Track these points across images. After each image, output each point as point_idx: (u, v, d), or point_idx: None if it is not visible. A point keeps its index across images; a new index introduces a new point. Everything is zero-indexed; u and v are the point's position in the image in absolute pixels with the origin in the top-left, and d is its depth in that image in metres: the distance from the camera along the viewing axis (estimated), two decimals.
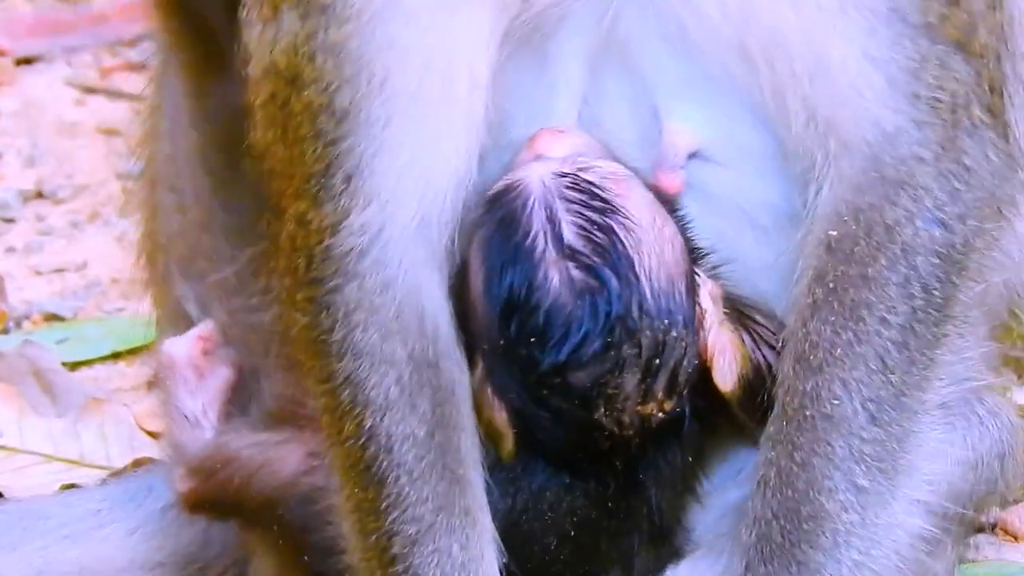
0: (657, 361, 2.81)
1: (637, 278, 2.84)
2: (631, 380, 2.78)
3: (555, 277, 2.79)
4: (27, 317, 4.02)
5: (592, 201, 2.83)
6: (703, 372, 2.84)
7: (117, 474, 3.60)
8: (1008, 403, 3.19)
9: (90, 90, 4.52)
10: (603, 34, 2.93)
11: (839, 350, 2.91)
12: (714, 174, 2.98)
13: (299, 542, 3.22)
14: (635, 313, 2.80)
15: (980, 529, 3.39)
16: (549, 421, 2.81)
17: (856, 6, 2.88)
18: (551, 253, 2.79)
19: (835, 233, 2.92)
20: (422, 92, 2.86)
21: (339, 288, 2.89)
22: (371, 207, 2.88)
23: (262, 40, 3.01)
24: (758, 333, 2.91)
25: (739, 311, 2.91)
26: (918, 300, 2.91)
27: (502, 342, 2.81)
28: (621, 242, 2.84)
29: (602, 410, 2.76)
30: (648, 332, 2.79)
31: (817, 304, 2.91)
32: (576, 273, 2.79)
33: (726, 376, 2.86)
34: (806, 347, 2.90)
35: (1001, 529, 3.47)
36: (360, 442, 2.87)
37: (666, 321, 2.81)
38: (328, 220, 2.89)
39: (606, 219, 2.83)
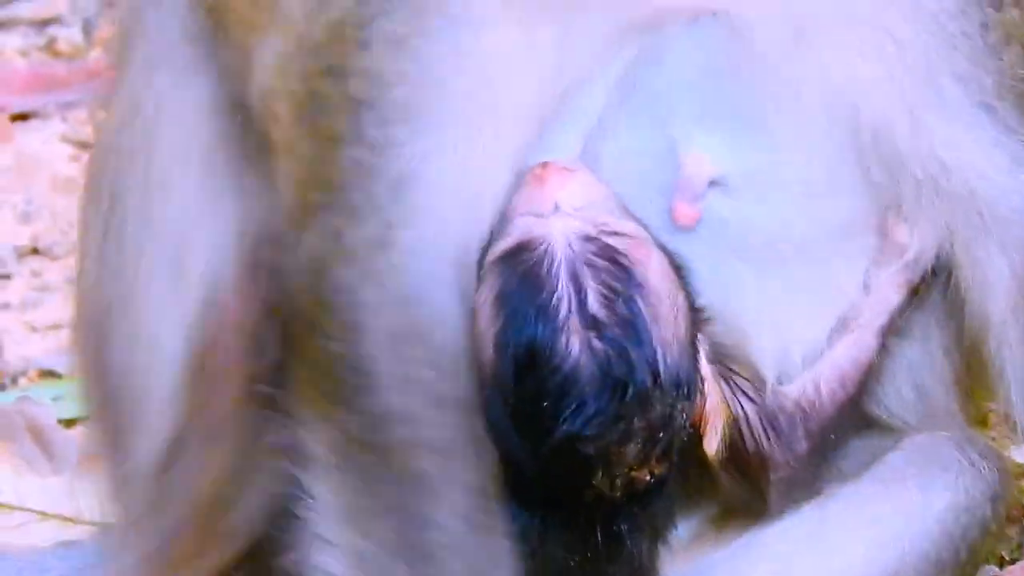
0: (662, 433, 2.82)
1: (655, 352, 2.84)
2: (634, 449, 2.80)
3: (576, 346, 2.78)
4: (23, 373, 4.03)
5: (617, 271, 2.83)
6: (692, 434, 2.95)
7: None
8: (997, 447, 3.15)
9: (85, 146, 4.48)
10: (632, 65, 2.90)
11: None
12: (729, 205, 2.97)
13: None
14: (650, 387, 2.80)
15: None
16: (539, 475, 2.81)
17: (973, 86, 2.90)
18: (575, 321, 2.78)
19: None
20: (480, 105, 2.82)
21: (381, 313, 2.82)
22: (423, 222, 2.82)
23: (302, 9, 2.92)
24: (737, 384, 2.89)
25: (720, 362, 2.92)
26: None
27: (510, 398, 2.80)
28: (642, 315, 2.82)
29: (600, 475, 2.79)
30: (659, 405, 2.80)
31: None
32: (598, 344, 2.78)
33: (712, 440, 2.87)
34: None
35: None
36: (408, 485, 2.79)
37: (675, 393, 2.82)
38: (370, 235, 2.81)
39: (629, 290, 2.82)
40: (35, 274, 4.22)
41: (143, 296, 3.18)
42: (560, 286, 2.77)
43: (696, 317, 2.89)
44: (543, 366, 2.75)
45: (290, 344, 2.92)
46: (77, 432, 3.71)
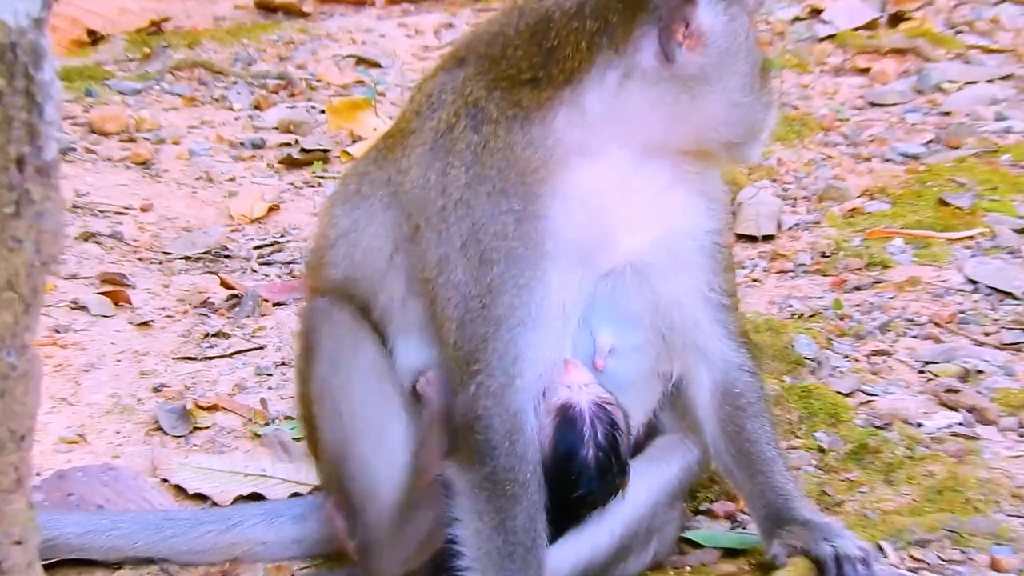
0: (619, 490, 3.30)
1: (622, 456, 3.27)
2: (608, 495, 3.30)
3: (591, 455, 3.20)
4: (276, 419, 4.41)
5: (608, 420, 3.23)
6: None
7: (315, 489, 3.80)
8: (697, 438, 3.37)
9: None
10: (583, 304, 3.19)
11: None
12: (614, 361, 3.29)
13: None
14: (617, 471, 3.28)
15: (701, 511, 3.78)
16: (565, 500, 3.26)
17: (707, 299, 3.30)
18: (590, 443, 3.20)
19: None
20: (553, 317, 3.13)
21: (503, 421, 3.12)
22: (525, 375, 3.13)
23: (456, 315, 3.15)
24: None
25: None
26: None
27: (558, 472, 3.22)
28: (617, 442, 3.24)
29: (592, 502, 3.28)
30: (618, 479, 3.29)
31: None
32: (600, 456, 3.21)
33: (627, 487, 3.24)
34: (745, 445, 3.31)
35: (709, 512, 3.83)
36: (505, 499, 3.12)
37: (625, 471, 3.30)
38: (501, 383, 3.12)
39: (613, 431, 3.23)
40: (283, 375, 4.58)
41: (371, 451, 3.32)
42: (586, 427, 3.19)
43: (629, 433, 3.26)
44: (575, 462, 3.20)
45: (454, 436, 3.18)
46: (302, 444, 3.94)
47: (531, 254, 3.01)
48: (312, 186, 5.71)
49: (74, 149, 5.66)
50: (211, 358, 4.59)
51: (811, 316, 4.73)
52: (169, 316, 4.83)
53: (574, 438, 3.17)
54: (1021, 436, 3.96)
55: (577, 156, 3.03)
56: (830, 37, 6.45)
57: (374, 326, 3.29)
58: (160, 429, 4.19)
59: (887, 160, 5.57)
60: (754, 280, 4.93)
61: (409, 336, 3.27)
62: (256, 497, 3.89)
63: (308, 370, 3.37)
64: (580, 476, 3.20)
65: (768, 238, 5.11)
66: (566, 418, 3.17)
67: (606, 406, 3.22)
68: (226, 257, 5.16)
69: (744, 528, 3.58)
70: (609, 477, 3.25)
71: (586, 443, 3.18)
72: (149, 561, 3.59)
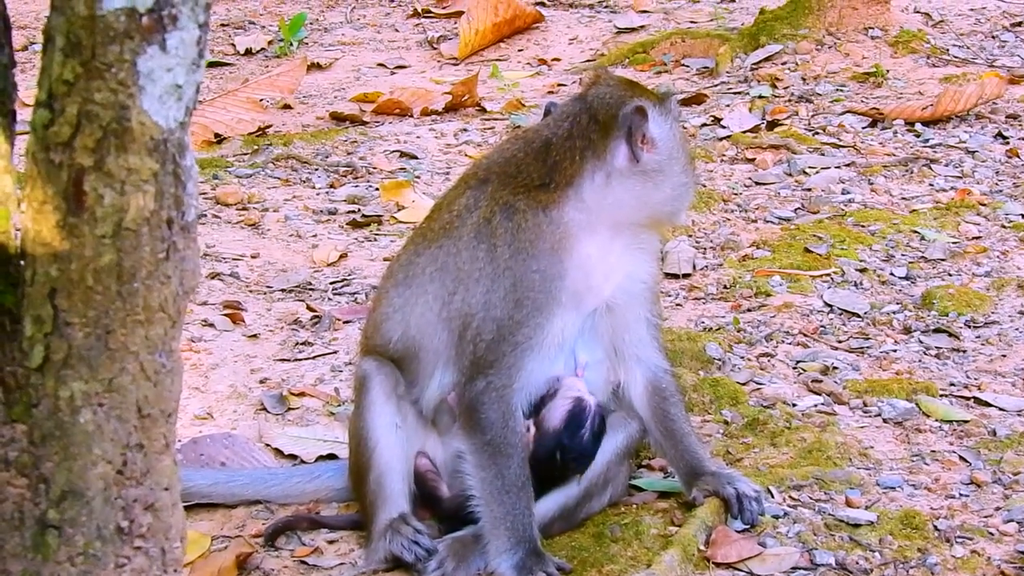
0: (591, 461, 3.23)
1: (600, 442, 3.28)
2: (590, 461, 3.25)
3: (587, 435, 3.22)
4: (345, 402, 4.24)
5: (600, 418, 3.25)
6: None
7: None
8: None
9: None
10: (574, 335, 3.18)
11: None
12: (590, 371, 3.27)
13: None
14: (595, 452, 3.26)
15: (642, 465, 3.70)
16: (545, 455, 3.23)
17: (648, 323, 3.28)
18: (587, 429, 3.21)
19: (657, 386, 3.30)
20: (547, 345, 3.13)
21: (501, 408, 3.13)
22: (522, 379, 3.12)
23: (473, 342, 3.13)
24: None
25: None
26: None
27: (557, 440, 3.20)
28: (601, 433, 3.25)
29: (570, 464, 3.23)
30: (594, 456, 3.27)
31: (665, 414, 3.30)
32: (591, 437, 3.23)
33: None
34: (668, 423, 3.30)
35: (648, 467, 3.76)
36: (501, 458, 3.09)
37: (597, 453, 3.23)
38: (504, 383, 3.14)
39: (601, 425, 3.24)
40: (350, 371, 4.38)
41: (384, 454, 3.26)
42: (588, 417, 3.20)
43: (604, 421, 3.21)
44: (576, 435, 3.20)
45: (462, 415, 3.12)
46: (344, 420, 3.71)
47: (549, 302, 3.02)
48: (370, 240, 5.57)
49: (205, 215, 5.64)
50: (300, 359, 4.46)
51: (717, 329, 4.67)
52: (271, 330, 4.72)
53: (581, 420, 3.17)
54: (865, 412, 3.89)
55: (583, 231, 3.05)
56: (727, 137, 6.47)
57: (405, 377, 3.25)
58: (264, 409, 4.09)
59: (768, 221, 5.53)
60: (677, 305, 4.85)
61: (444, 364, 3.19)
62: (331, 457, 3.76)
63: (354, 411, 3.40)
64: (575, 442, 3.21)
65: (686, 275, 5.05)
66: (579, 406, 3.16)
67: (601, 410, 3.23)
68: (310, 289, 5.03)
69: (673, 477, 3.47)
70: (591, 452, 3.25)
71: (586, 427, 3.17)
72: (257, 503, 3.50)
